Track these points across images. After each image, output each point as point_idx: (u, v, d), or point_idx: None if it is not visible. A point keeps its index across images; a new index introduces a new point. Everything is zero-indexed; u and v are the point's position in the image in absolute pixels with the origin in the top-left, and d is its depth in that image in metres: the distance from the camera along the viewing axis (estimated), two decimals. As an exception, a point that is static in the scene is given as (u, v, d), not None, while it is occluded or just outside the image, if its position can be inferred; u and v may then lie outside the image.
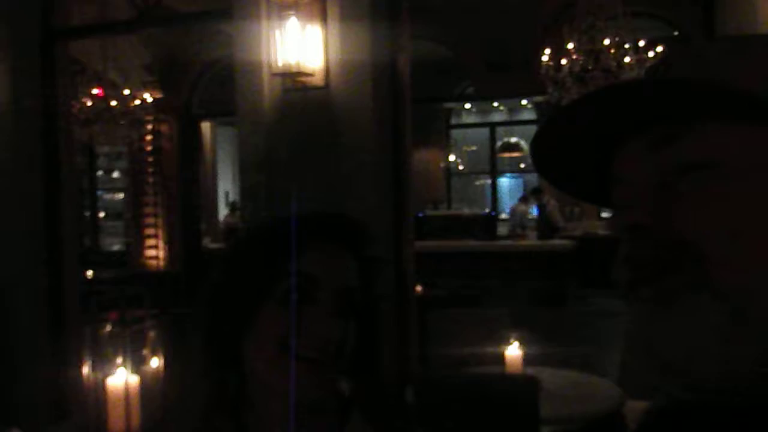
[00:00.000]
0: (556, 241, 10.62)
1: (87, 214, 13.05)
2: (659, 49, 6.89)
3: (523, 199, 12.46)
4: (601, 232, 11.49)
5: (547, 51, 7.29)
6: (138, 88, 9.47)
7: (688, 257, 0.57)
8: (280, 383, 0.92)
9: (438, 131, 14.76)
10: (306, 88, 4.13)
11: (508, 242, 10.87)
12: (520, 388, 2.78)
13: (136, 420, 2.39)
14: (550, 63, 7.20)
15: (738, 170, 0.56)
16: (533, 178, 14.76)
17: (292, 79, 4.10)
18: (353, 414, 1.01)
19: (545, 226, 11.33)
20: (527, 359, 3.39)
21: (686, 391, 0.59)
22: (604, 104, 0.61)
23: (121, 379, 2.39)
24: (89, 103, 8.53)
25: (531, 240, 10.93)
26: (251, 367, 0.96)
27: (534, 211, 12.08)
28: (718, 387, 0.57)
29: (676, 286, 0.57)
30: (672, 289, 0.57)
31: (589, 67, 6.84)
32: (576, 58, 6.90)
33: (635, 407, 3.33)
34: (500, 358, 3.36)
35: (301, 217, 0.99)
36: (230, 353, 0.97)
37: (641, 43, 6.86)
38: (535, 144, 0.67)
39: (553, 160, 0.69)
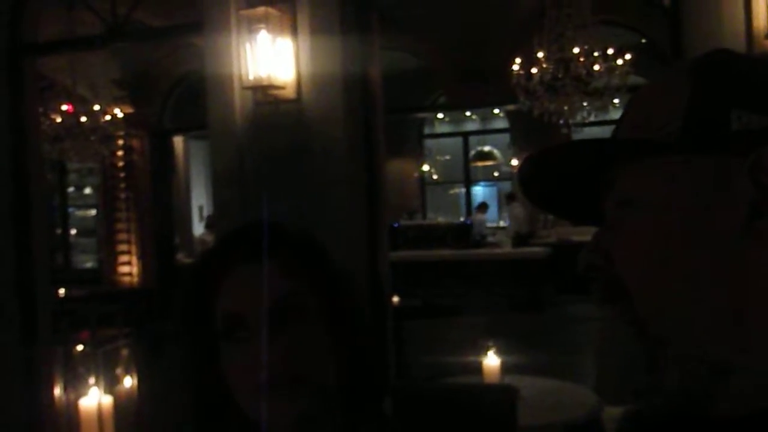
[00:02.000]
0: (531, 249, 10.67)
1: (58, 231, 12.89)
2: (628, 56, 6.97)
3: (480, 208, 12.61)
4: (575, 238, 11.57)
5: (518, 60, 7.35)
6: (108, 103, 9.38)
7: (617, 289, 0.63)
8: (257, 416, 0.90)
9: (411, 141, 14.80)
10: (277, 101, 4.12)
11: (484, 251, 10.90)
12: (498, 398, 2.78)
13: (110, 441, 2.35)
14: (521, 72, 7.26)
15: (648, 205, 0.61)
16: (507, 186, 14.84)
17: (264, 92, 4.09)
18: (361, 429, 0.97)
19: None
20: (505, 367, 3.39)
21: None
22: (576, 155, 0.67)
23: (94, 399, 2.35)
24: (59, 119, 8.43)
25: (506, 248, 10.98)
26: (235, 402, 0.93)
27: (489, 219, 12.37)
28: (651, 401, 0.64)
29: (615, 314, 0.63)
30: (613, 316, 0.64)
31: (560, 76, 6.90)
32: (546, 67, 6.96)
33: (613, 414, 3.34)
34: (478, 367, 3.36)
35: (209, 250, 0.96)
36: (211, 389, 0.94)
37: (610, 51, 6.93)
38: (521, 175, 0.71)
39: (541, 189, 0.73)
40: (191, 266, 0.98)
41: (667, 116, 0.62)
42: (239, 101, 4.20)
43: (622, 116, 0.69)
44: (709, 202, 0.58)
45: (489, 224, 12.78)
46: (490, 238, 11.81)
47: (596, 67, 6.85)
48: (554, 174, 0.69)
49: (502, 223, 12.93)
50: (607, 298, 0.64)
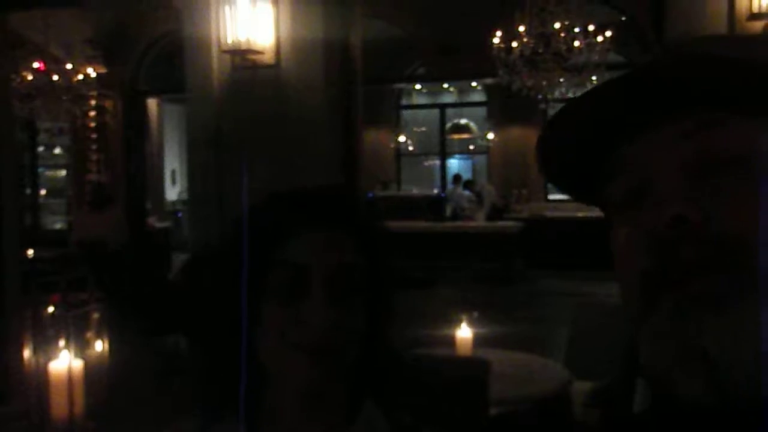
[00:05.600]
0: (504, 223, 10.73)
1: (27, 191, 12.69)
2: (608, 33, 6.97)
3: (456, 181, 12.61)
4: (548, 214, 11.65)
5: (499, 33, 7.32)
6: (81, 62, 9.21)
7: (744, 257, 0.53)
8: (284, 375, 0.90)
9: (388, 112, 14.74)
10: (256, 66, 4.06)
11: (457, 223, 10.94)
12: (471, 370, 2.80)
13: (79, 405, 2.33)
14: (502, 46, 7.23)
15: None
16: (482, 160, 14.87)
17: (242, 56, 4.03)
18: (366, 403, 0.96)
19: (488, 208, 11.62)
20: (475, 339, 3.41)
21: (722, 396, 0.54)
22: (632, 86, 0.58)
23: (64, 363, 2.32)
24: (30, 77, 8.27)
25: (479, 221, 11.03)
26: (259, 360, 0.92)
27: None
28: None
29: (731, 287, 0.53)
30: (726, 290, 0.53)
31: (540, 51, 6.88)
32: (527, 42, 6.94)
33: (581, 388, 3.38)
34: (450, 340, 3.37)
35: (284, 199, 0.94)
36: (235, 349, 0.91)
37: (591, 28, 6.93)
38: (541, 138, 0.64)
39: (557, 156, 0.66)
40: (252, 217, 0.94)
41: None
42: (217, 65, 4.14)
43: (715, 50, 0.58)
44: None
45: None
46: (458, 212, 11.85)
47: (576, 43, 6.84)
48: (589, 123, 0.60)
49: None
50: (718, 266, 0.53)
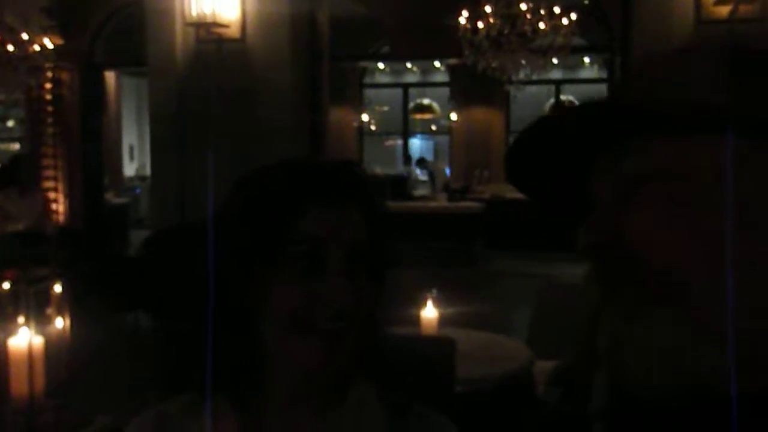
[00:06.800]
0: (466, 203, 10.78)
1: (-21, 164, 12.39)
2: (573, 16, 7.00)
3: (417, 163, 12.73)
4: (509, 195, 11.73)
5: (465, 13, 7.29)
6: (37, 33, 8.96)
7: (645, 270, 0.58)
8: (289, 354, 0.88)
9: (351, 90, 14.66)
10: (221, 40, 3.99)
11: (420, 203, 10.96)
12: (436, 350, 2.81)
13: (40, 383, 2.28)
14: (467, 26, 7.20)
15: (680, 176, 0.59)
16: (444, 140, 14.90)
17: (207, 29, 3.95)
18: (355, 379, 0.95)
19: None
20: (440, 319, 3.42)
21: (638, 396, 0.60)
22: (572, 122, 0.64)
23: (24, 340, 2.27)
24: (-17, 47, 8.02)
25: (441, 202, 11.07)
26: (260, 338, 0.89)
27: (420, 174, 12.41)
28: (674, 397, 0.59)
29: (637, 299, 0.59)
30: (633, 302, 0.59)
31: (505, 32, 6.88)
32: (493, 22, 6.93)
33: (543, 367, 3.43)
34: (415, 319, 3.37)
35: (296, 170, 0.91)
36: (238, 326, 0.90)
37: (556, 10, 6.94)
38: (509, 155, 0.69)
39: (525, 173, 0.70)
40: (253, 198, 0.90)
41: (708, 92, 0.59)
42: (181, 38, 4.06)
43: (638, 83, 0.64)
44: (752, 188, 0.57)
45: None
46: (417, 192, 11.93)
47: (542, 26, 6.85)
48: (548, 145, 0.65)
49: (422, 177, 13.01)
50: (610, 276, 0.60)
